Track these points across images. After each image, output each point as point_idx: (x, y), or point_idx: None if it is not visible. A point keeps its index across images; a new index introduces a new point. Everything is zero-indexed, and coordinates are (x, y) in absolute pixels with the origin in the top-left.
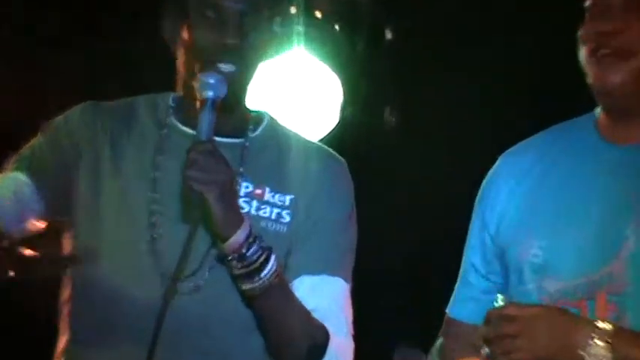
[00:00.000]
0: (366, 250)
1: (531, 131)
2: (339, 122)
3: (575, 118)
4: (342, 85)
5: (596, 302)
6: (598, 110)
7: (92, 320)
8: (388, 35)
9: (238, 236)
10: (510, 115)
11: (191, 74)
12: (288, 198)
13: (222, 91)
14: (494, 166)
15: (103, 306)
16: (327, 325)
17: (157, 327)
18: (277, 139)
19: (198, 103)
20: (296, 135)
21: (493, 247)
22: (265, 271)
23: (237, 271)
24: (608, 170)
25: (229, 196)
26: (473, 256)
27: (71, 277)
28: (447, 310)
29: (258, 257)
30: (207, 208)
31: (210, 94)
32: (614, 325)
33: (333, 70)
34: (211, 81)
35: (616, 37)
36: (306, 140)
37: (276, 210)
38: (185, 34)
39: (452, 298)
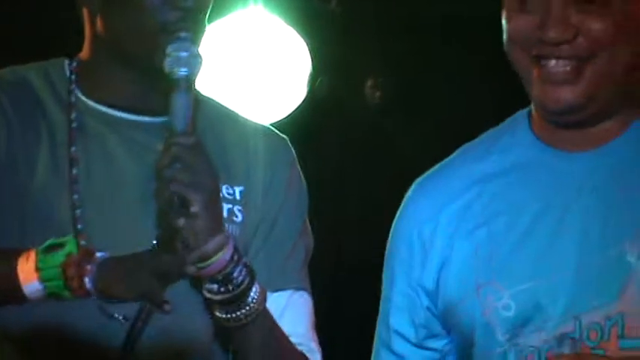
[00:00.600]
0: (340, 254)
1: (525, 103)
2: (306, 96)
3: (505, 124)
4: (311, 52)
5: (607, 352)
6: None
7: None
8: None
9: (224, 254)
10: (506, 90)
11: (134, 43)
12: (237, 190)
13: (197, 66)
14: (408, 206)
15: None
16: (302, 348)
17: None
18: (214, 119)
19: (172, 83)
20: (235, 114)
21: (432, 305)
22: (251, 295)
23: (216, 297)
24: (576, 185)
25: (216, 203)
26: (395, 321)
27: None
28: None
29: (244, 279)
30: (188, 219)
31: (183, 70)
32: None
33: (299, 33)
34: (184, 54)
35: (567, 46)
36: (247, 120)
37: (227, 206)
38: None
39: None
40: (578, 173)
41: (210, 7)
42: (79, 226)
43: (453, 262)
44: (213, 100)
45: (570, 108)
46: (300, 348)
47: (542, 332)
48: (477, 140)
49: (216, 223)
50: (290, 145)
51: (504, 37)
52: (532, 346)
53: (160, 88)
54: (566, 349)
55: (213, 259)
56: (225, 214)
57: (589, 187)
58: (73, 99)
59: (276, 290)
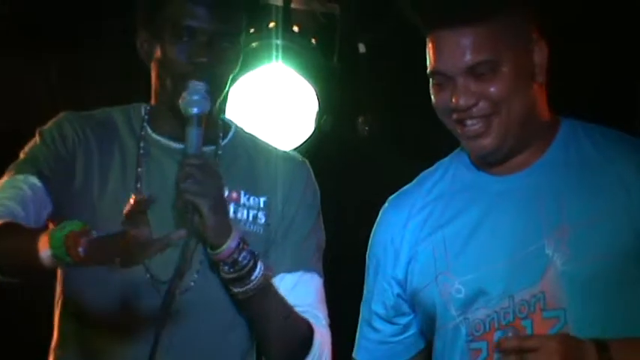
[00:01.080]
0: (340, 257)
1: None
2: (314, 131)
3: (452, 155)
4: (318, 96)
5: (533, 321)
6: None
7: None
8: (362, 49)
9: (230, 244)
10: None
11: (167, 90)
12: (261, 200)
13: (206, 107)
14: (384, 217)
15: (94, 310)
16: (308, 316)
17: (157, 336)
18: (245, 145)
19: (186, 119)
20: (262, 141)
21: (402, 292)
22: (255, 274)
23: (228, 276)
24: (505, 199)
25: (221, 206)
26: (375, 305)
27: (63, 280)
28: (354, 356)
29: (248, 262)
30: (201, 219)
31: (195, 110)
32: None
33: (310, 82)
34: (195, 97)
35: (474, 109)
36: (272, 146)
37: (252, 212)
38: (159, 54)
39: (357, 344)
40: (506, 190)
41: (233, 70)
42: None
43: (417, 259)
44: (248, 133)
45: (489, 153)
46: (305, 315)
47: (485, 309)
48: (432, 168)
49: (223, 220)
50: (306, 163)
51: (437, 112)
52: (478, 319)
53: (206, 124)
54: (503, 320)
55: (224, 247)
56: (250, 217)
57: (515, 199)
58: (143, 132)
59: (290, 271)
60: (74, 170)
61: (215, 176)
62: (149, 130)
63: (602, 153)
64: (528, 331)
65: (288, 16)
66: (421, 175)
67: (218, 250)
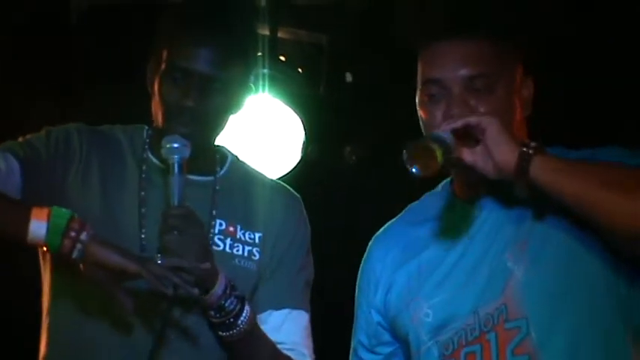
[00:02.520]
0: (326, 287)
1: None
2: (300, 160)
3: (442, 185)
4: (304, 125)
5: (497, 333)
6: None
7: (70, 341)
8: (348, 78)
9: (217, 290)
10: None
11: (159, 124)
12: (257, 236)
13: (186, 153)
14: (368, 253)
15: (83, 332)
16: (294, 354)
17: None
18: (242, 177)
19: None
20: (257, 173)
21: (382, 320)
22: (241, 319)
23: (214, 320)
24: (476, 223)
25: (205, 255)
26: (359, 335)
27: (51, 292)
28: None
29: (234, 307)
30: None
31: (175, 157)
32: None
33: (296, 111)
34: (175, 145)
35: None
36: (267, 178)
37: (247, 247)
38: (156, 87)
39: None
40: (475, 214)
41: (219, 105)
42: (144, 254)
43: (394, 288)
44: (243, 162)
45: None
46: (291, 353)
47: (454, 328)
48: (418, 200)
49: (207, 269)
50: (299, 199)
51: (422, 126)
52: (448, 337)
53: (203, 156)
54: (470, 335)
55: (210, 292)
56: (245, 253)
57: (484, 221)
58: (145, 156)
59: (278, 309)
60: (68, 172)
61: (198, 225)
62: (150, 155)
63: None
64: (493, 344)
65: (274, 46)
66: (409, 206)
67: (205, 297)
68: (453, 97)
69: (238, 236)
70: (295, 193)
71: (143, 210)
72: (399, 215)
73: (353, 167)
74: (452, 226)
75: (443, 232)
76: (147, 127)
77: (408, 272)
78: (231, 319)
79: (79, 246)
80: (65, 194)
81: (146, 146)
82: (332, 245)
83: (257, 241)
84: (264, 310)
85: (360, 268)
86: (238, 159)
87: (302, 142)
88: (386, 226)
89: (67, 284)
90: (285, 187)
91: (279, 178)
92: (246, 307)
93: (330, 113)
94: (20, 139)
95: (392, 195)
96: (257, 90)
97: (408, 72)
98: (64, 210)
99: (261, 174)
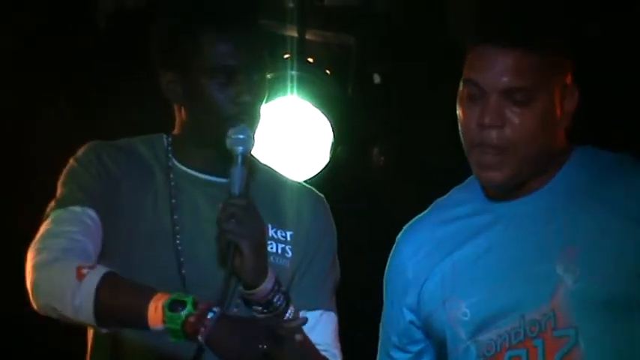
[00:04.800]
0: (356, 289)
1: None
2: (329, 162)
3: (465, 182)
4: (332, 127)
5: (544, 340)
6: None
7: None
8: (376, 79)
9: (266, 285)
10: None
11: (211, 130)
12: (288, 234)
13: (250, 145)
14: (397, 247)
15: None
16: (327, 355)
17: None
18: (268, 179)
19: (231, 158)
20: (278, 174)
21: (415, 318)
22: (287, 316)
23: (261, 316)
24: (513, 222)
25: (262, 248)
26: (390, 333)
27: None
28: None
29: (281, 304)
30: (241, 259)
31: (240, 149)
32: None
33: (324, 113)
34: (241, 136)
35: (496, 132)
36: (291, 180)
37: (280, 245)
38: (198, 95)
39: None
40: (515, 214)
41: (265, 99)
42: (183, 271)
43: (427, 286)
44: (268, 167)
45: (497, 186)
46: (325, 354)
47: (496, 329)
48: (446, 195)
49: (262, 262)
50: (325, 200)
51: (459, 122)
52: (489, 339)
53: (228, 158)
54: (514, 339)
55: (260, 287)
56: (279, 251)
57: (524, 222)
58: (170, 164)
59: (311, 310)
60: (121, 201)
61: (257, 218)
62: (175, 162)
63: (608, 178)
64: (540, 351)
65: (302, 48)
66: (435, 202)
67: (254, 291)
68: (489, 104)
69: (270, 234)
70: (319, 194)
71: (175, 217)
72: (426, 211)
73: (381, 168)
74: (487, 224)
75: (477, 230)
76: (165, 135)
77: (441, 271)
78: (277, 316)
79: (202, 330)
80: (124, 207)
81: (169, 154)
82: (360, 249)
83: (289, 238)
84: (298, 311)
85: (388, 265)
86: (259, 161)
87: (330, 144)
88: (414, 221)
89: None
90: (311, 189)
91: (307, 180)
92: (291, 306)
93: (359, 115)
94: (65, 186)
95: (420, 196)
96: (285, 92)
97: (436, 73)
98: (174, 316)
99: (282, 175)
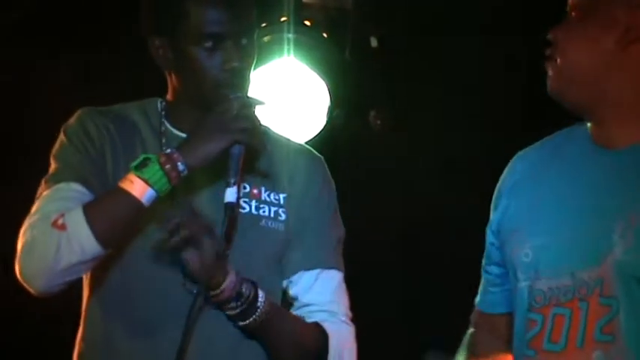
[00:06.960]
0: (353, 253)
1: (518, 132)
2: (326, 125)
3: (574, 126)
4: (329, 90)
5: (589, 304)
6: None
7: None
8: (373, 43)
9: (228, 283)
10: (497, 116)
11: (202, 95)
12: (282, 197)
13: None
14: (506, 169)
15: (123, 309)
16: (324, 314)
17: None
18: (269, 142)
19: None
20: (279, 135)
21: (494, 239)
22: (259, 303)
23: (235, 312)
24: (599, 174)
25: (210, 258)
26: (489, 247)
27: (91, 282)
28: (475, 302)
29: (250, 291)
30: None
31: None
32: None
33: (321, 76)
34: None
35: (552, 44)
36: (288, 140)
37: (273, 208)
38: (186, 61)
39: (479, 289)
40: (599, 164)
41: (254, 64)
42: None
43: (508, 212)
44: (266, 127)
45: (553, 94)
46: (320, 314)
47: (548, 280)
48: (550, 138)
49: (214, 267)
50: (322, 159)
51: None
52: (540, 290)
53: None
54: (562, 297)
55: (225, 284)
56: (272, 214)
57: (602, 176)
58: (163, 128)
59: (308, 269)
60: (107, 171)
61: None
62: (168, 126)
63: None
64: (583, 314)
65: (299, 10)
66: (544, 139)
67: (220, 289)
68: (568, 17)
69: (263, 198)
70: (317, 154)
71: None
72: (539, 142)
73: (377, 132)
74: (578, 168)
75: (562, 171)
76: (160, 99)
77: (523, 202)
78: (250, 304)
79: (178, 164)
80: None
81: (163, 119)
82: (357, 211)
83: (282, 201)
84: (295, 272)
85: (502, 174)
86: (266, 126)
87: (327, 107)
88: (529, 148)
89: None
90: (307, 148)
91: (304, 143)
92: (260, 291)
93: (356, 78)
94: (56, 162)
95: (416, 159)
96: (282, 55)
97: (432, 36)
98: (149, 169)
99: (283, 136)
